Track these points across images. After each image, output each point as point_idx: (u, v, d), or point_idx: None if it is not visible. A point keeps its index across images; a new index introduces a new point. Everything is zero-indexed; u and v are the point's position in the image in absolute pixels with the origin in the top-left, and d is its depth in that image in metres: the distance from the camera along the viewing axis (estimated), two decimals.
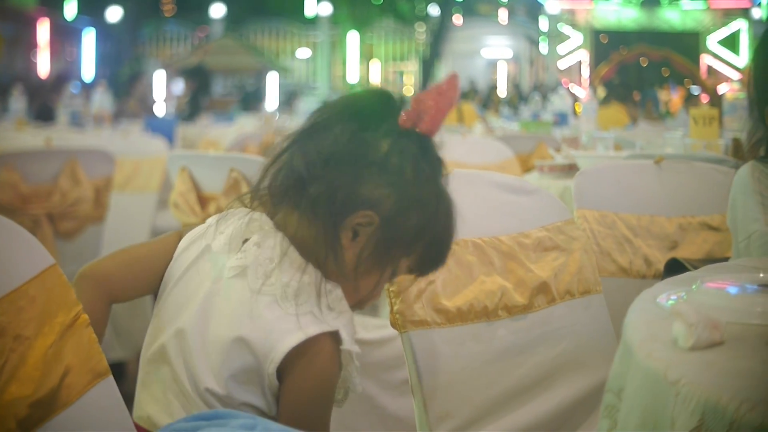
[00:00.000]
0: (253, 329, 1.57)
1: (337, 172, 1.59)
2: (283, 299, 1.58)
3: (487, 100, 17.63)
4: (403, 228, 1.60)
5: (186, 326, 1.63)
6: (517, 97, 18.56)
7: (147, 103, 12.37)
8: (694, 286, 1.38)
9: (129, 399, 1.60)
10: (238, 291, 1.61)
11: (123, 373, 4.31)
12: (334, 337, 1.58)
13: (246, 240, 1.64)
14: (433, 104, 1.63)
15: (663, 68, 26.23)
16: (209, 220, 1.72)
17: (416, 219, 1.61)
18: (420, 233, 1.62)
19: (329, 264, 1.60)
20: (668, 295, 1.39)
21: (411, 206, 1.60)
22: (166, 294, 1.70)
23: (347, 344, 1.59)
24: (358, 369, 1.63)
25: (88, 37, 25.02)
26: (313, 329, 1.56)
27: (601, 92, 14.99)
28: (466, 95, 17.88)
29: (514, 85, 23.41)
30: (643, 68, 26.31)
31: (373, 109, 1.64)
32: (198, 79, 12.81)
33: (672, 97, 20.51)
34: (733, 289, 1.37)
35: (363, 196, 1.58)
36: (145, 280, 1.74)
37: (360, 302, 1.67)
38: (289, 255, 1.61)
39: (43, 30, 22.66)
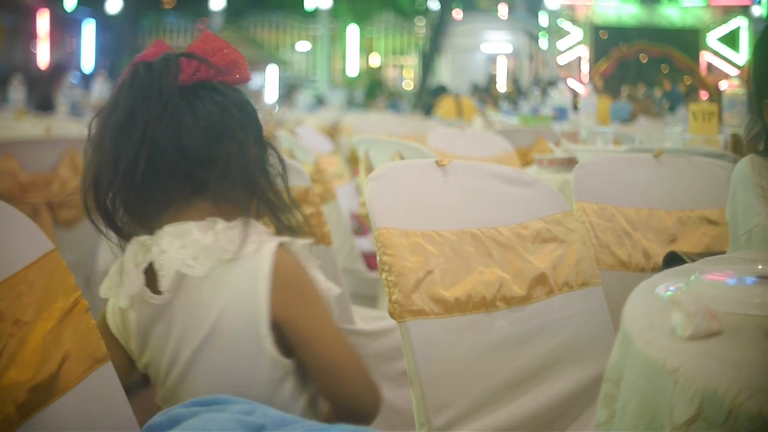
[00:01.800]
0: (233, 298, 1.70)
1: (231, 165, 1.75)
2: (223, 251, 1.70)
3: (486, 95, 17.62)
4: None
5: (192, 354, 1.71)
6: (516, 92, 18.54)
7: None
8: (692, 277, 1.38)
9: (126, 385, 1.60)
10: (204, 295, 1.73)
11: None
12: (286, 245, 1.74)
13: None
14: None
15: (663, 65, 26.20)
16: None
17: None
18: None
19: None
20: (667, 285, 1.39)
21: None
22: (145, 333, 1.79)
23: (296, 244, 1.76)
24: (318, 267, 1.80)
25: (88, 28, 24.99)
26: (270, 245, 1.72)
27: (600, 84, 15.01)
28: (477, 88, 17.89)
29: (513, 80, 23.38)
30: (642, 65, 26.29)
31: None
32: None
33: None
34: (731, 280, 1.37)
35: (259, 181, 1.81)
36: None
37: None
38: (217, 229, 1.73)
39: (43, 21, 22.64)
